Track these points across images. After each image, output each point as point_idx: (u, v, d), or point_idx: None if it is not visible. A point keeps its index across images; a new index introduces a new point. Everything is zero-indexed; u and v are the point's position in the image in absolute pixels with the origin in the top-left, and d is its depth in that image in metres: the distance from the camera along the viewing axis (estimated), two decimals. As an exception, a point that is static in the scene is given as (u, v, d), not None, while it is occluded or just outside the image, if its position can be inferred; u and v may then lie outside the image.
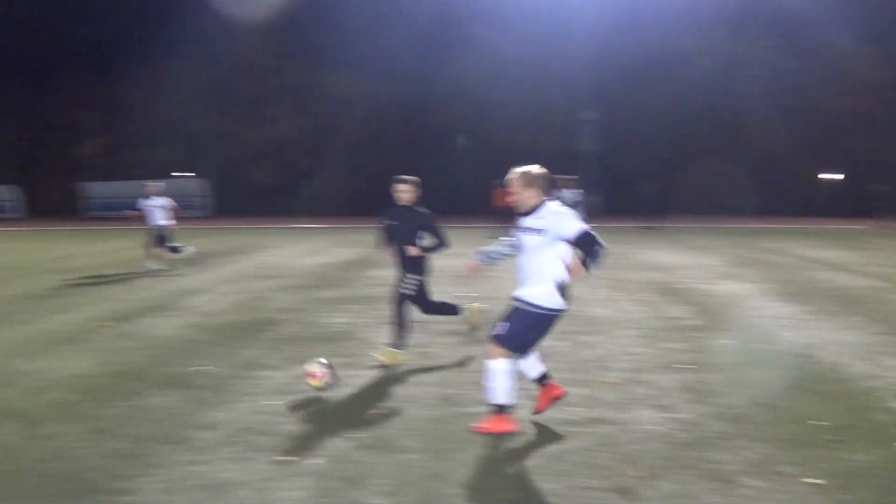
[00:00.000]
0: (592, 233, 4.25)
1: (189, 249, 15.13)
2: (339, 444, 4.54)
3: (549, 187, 4.61)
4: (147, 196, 14.63)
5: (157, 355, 7.00)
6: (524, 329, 4.41)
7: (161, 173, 36.38)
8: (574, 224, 4.30)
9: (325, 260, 16.02)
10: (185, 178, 41.55)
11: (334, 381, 5.49)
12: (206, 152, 42.66)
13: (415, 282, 6.50)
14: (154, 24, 40.31)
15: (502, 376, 4.45)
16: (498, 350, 4.45)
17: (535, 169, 4.54)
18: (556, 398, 4.84)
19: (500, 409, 4.51)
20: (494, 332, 4.52)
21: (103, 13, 40.10)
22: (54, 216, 40.31)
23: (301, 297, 10.49)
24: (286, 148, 42.54)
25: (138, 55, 40.83)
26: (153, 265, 14.18)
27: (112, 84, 42.17)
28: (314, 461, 4.30)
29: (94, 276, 13.27)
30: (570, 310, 4.70)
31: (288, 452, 4.42)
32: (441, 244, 6.54)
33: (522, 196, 4.47)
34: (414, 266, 6.48)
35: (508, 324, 4.45)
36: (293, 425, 4.88)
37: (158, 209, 14.59)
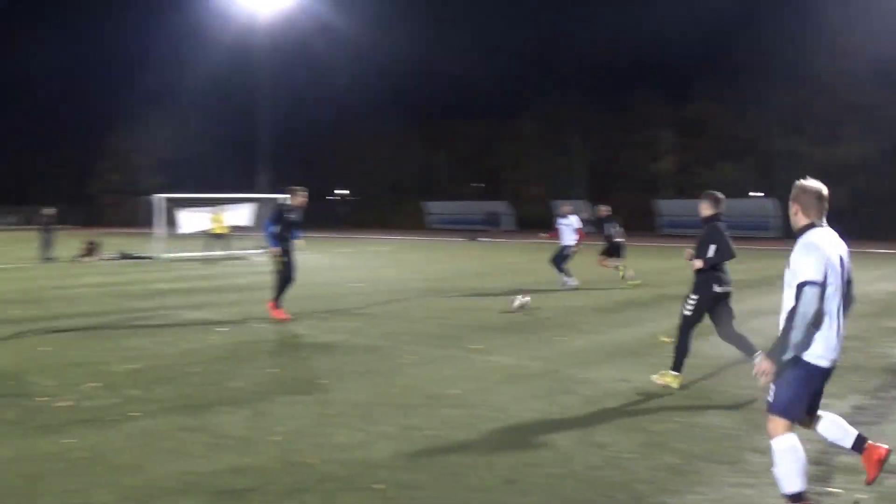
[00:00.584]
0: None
1: (571, 282, 20.62)
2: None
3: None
4: (563, 215, 21.47)
5: (720, 375, 9.86)
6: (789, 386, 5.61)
7: (729, 191, 48.51)
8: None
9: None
10: (758, 198, 64.08)
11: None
12: (777, 172, 63.09)
13: (694, 301, 9.38)
14: (728, 42, 66.42)
15: (788, 455, 5.54)
16: (775, 422, 5.61)
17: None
18: (882, 460, 5.78)
19: (797, 498, 5.48)
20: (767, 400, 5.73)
21: (678, 33, 67.81)
22: (629, 231, 54.88)
23: (865, 325, 12.62)
24: (853, 169, 59.82)
25: (712, 74, 66.68)
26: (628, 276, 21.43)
27: (686, 102, 69.34)
28: (861, 496, 5.81)
29: (661, 292, 19.09)
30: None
31: (836, 484, 6.01)
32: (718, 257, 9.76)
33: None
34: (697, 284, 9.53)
35: (774, 386, 5.61)
36: (845, 456, 6.36)
37: (567, 228, 21.19)
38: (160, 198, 35.04)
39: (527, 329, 12.82)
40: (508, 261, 29.32)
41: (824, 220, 5.77)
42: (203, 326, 13.32)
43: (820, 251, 5.46)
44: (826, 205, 5.81)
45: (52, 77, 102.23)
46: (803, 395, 5.56)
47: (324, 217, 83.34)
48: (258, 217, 35.21)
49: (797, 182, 5.83)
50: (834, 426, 5.86)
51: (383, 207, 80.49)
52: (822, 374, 5.59)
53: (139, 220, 46.24)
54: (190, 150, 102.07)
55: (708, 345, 11.48)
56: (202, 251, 32.00)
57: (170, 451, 6.46)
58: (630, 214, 63.37)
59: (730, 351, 10.86)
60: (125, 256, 32.12)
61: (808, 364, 5.49)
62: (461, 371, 9.61)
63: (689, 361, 9.90)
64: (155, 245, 33.65)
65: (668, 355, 10.22)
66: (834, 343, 5.50)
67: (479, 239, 36.89)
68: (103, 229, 66.27)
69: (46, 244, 29.98)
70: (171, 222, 35.25)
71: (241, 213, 36.16)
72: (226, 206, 36.92)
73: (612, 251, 21.93)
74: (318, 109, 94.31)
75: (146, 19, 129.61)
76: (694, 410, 8.12)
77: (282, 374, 9.41)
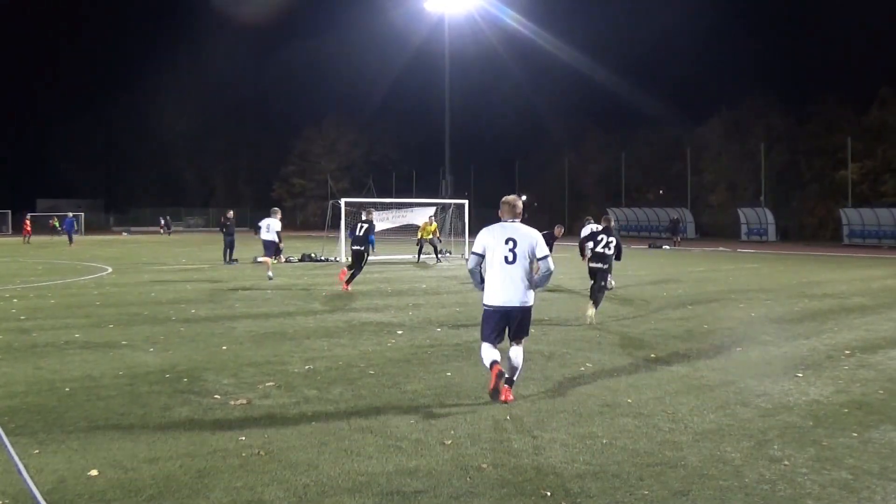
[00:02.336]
0: None
1: None
2: None
3: None
4: None
5: None
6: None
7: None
8: None
9: None
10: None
11: None
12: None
13: None
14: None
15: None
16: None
17: None
18: (495, 389, 8.65)
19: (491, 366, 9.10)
20: None
21: (864, 39, 75.72)
22: (811, 240, 54.44)
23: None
24: None
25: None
26: None
27: (870, 108, 69.99)
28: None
29: (842, 303, 19.05)
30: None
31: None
32: None
33: None
34: None
35: None
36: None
37: None
38: (343, 201, 35.90)
39: (705, 339, 12.74)
40: (689, 269, 29.07)
41: (509, 218, 9.13)
42: (382, 329, 13.62)
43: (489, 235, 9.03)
44: (508, 209, 9.20)
45: (237, 83, 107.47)
46: (490, 325, 8.91)
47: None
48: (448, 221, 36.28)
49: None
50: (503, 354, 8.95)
51: (565, 214, 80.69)
52: (495, 312, 8.89)
53: (322, 223, 47.85)
54: (374, 154, 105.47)
55: (886, 357, 11.85)
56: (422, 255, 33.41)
57: (343, 450, 6.59)
58: (816, 223, 67.39)
59: None
60: (307, 259, 33.28)
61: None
62: (638, 380, 9.56)
63: (865, 375, 10.43)
64: (337, 248, 34.62)
65: (848, 368, 10.15)
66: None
67: (665, 247, 36.56)
68: (287, 232, 69.18)
69: (229, 246, 31.18)
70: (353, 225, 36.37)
71: (423, 216, 36.99)
72: (410, 210, 37.91)
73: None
74: (502, 115, 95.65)
75: (330, 26, 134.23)
76: (870, 425, 7.99)
77: (457, 379, 9.48)
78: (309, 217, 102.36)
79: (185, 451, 6.52)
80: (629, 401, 8.41)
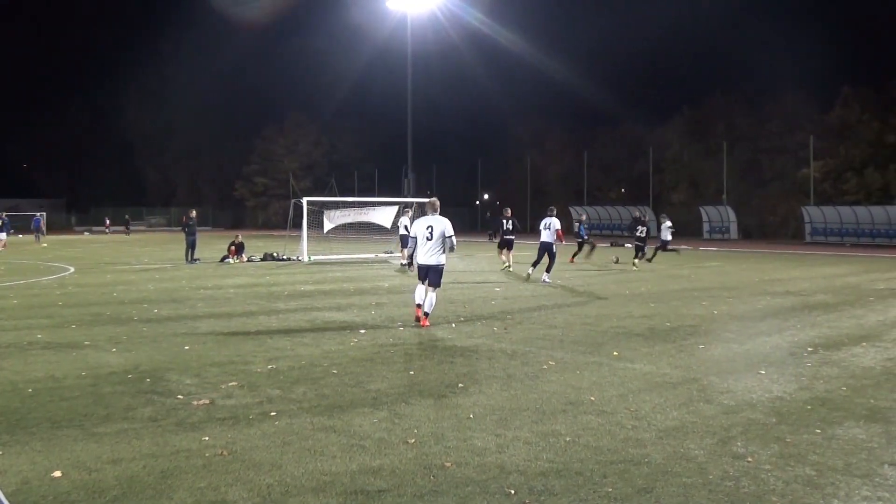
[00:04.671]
0: None
1: None
2: None
3: None
4: None
5: (859, 386, 9.84)
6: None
7: (875, 200, 65.33)
8: None
9: None
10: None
11: None
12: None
13: None
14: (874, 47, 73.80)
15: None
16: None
17: None
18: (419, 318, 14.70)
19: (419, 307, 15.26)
20: None
21: (824, 39, 77.15)
22: (773, 238, 61.11)
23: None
24: None
25: (859, 79, 72.67)
26: None
27: (833, 107, 72.07)
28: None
29: (805, 301, 19.32)
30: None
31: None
32: None
33: None
34: None
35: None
36: None
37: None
38: (305, 200, 35.84)
39: (668, 337, 12.85)
40: (651, 267, 29.27)
41: (431, 211, 14.80)
42: (345, 328, 13.66)
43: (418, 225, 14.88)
44: (430, 207, 14.99)
45: (199, 83, 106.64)
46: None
47: (469, 222, 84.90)
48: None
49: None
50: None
51: (527, 212, 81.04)
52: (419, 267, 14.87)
53: (284, 222, 47.85)
54: (336, 153, 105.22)
55: (849, 354, 12.06)
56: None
57: (306, 450, 6.59)
58: (779, 221, 68.52)
59: (873, 361, 11.50)
60: (269, 258, 33.16)
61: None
62: (601, 378, 9.60)
63: (828, 371, 10.60)
64: (299, 247, 34.54)
65: (811, 365, 10.45)
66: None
67: (626, 246, 36.95)
68: (249, 231, 69.15)
69: (191, 246, 31.06)
70: (316, 225, 36.52)
71: (385, 217, 36.99)
72: (372, 209, 37.91)
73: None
74: (465, 114, 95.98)
75: (292, 26, 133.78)
76: (833, 422, 8.10)
77: (420, 378, 9.47)
78: (271, 216, 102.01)
79: (148, 452, 6.49)
80: (592, 399, 8.44)
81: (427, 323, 14.33)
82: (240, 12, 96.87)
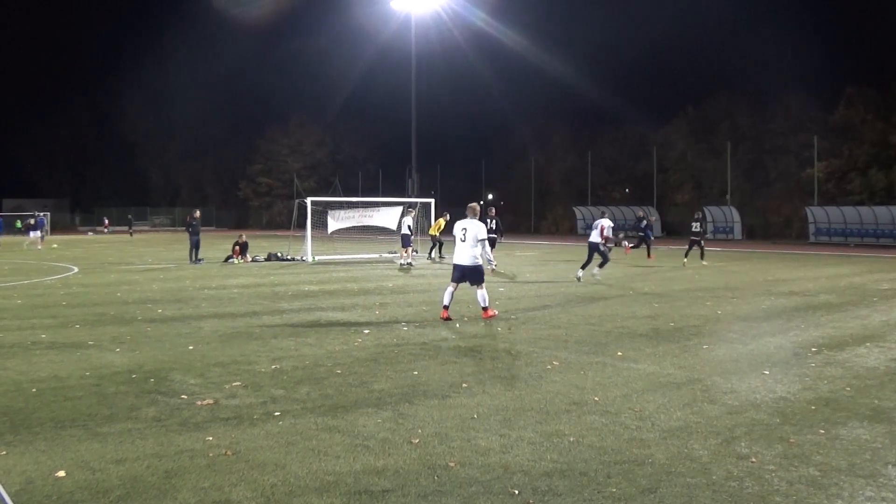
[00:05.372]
0: None
1: None
2: None
3: None
4: None
5: (863, 387, 9.88)
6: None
7: (879, 200, 65.25)
8: None
9: None
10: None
11: None
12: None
13: None
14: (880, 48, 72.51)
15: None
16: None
17: None
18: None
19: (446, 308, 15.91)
20: None
21: (829, 40, 77.87)
22: (777, 239, 63.83)
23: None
24: None
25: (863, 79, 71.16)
26: None
27: (838, 107, 70.81)
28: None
29: (809, 301, 19.33)
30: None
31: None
32: None
33: None
34: None
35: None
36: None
37: None
38: (309, 200, 35.82)
39: (672, 337, 12.85)
40: (655, 266, 29.32)
41: (470, 215, 15.44)
42: (348, 328, 13.65)
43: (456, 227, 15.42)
44: (470, 211, 15.60)
45: (202, 83, 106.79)
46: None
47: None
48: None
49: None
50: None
51: (531, 213, 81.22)
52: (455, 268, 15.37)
53: (288, 222, 47.97)
54: (340, 153, 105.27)
55: (853, 354, 12.05)
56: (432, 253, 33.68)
57: (310, 450, 6.60)
58: (783, 222, 68.53)
59: (877, 362, 11.52)
60: (273, 258, 33.20)
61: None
62: (605, 378, 9.62)
63: (832, 372, 10.60)
64: (303, 247, 34.52)
65: (815, 365, 10.48)
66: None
67: (627, 244, 37.03)
68: (253, 231, 69.15)
69: (195, 246, 31.05)
70: (320, 225, 36.54)
71: (389, 218, 36.97)
72: (376, 211, 37.92)
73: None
74: (468, 114, 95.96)
75: (296, 26, 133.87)
76: (837, 422, 8.11)
77: (424, 378, 9.47)
78: (275, 216, 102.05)
79: (152, 452, 6.50)
80: (596, 399, 8.44)
81: (493, 313, 15.37)
82: (243, 12, 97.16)
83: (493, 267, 25.46)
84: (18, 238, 56.53)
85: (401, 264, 30.51)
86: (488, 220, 30.14)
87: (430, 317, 15.04)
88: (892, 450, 7.23)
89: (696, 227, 32.34)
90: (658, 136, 77.75)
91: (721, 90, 75.91)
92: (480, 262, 15.68)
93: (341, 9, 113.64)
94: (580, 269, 24.26)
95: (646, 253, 34.04)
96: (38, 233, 48.44)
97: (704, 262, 30.24)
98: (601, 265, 24.32)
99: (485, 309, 15.47)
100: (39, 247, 45.59)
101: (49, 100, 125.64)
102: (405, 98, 65.41)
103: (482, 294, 15.51)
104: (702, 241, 32.22)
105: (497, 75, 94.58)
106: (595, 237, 24.29)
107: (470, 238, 15.50)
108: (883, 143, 62.18)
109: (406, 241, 30.92)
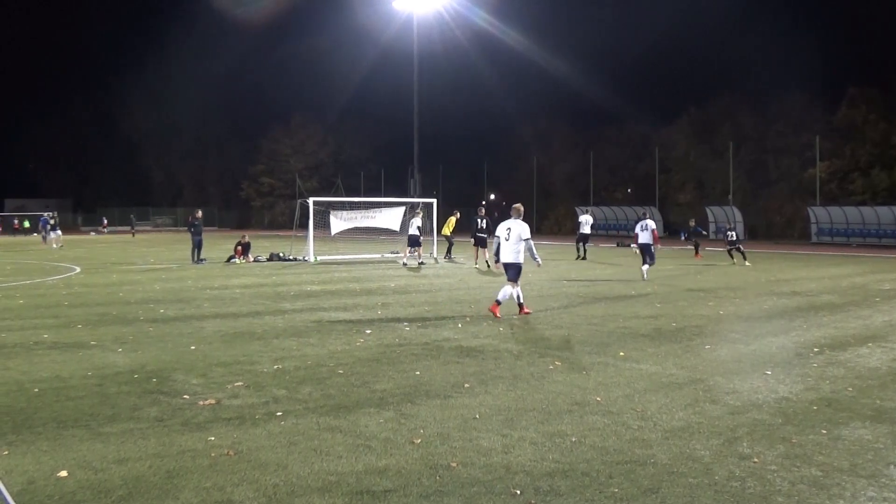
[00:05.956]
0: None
1: None
2: None
3: None
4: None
5: (865, 387, 9.93)
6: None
7: (882, 200, 66.72)
8: None
9: None
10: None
11: None
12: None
13: None
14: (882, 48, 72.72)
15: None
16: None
17: None
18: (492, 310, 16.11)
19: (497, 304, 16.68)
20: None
21: (831, 39, 78.80)
22: (779, 239, 64.31)
23: None
24: None
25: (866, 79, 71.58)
26: None
27: (840, 107, 71.42)
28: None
29: (811, 301, 19.43)
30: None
31: None
32: None
33: None
34: None
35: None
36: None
37: None
38: (311, 201, 35.84)
39: (674, 337, 12.87)
40: (657, 267, 28.88)
41: (515, 216, 16.09)
42: (350, 328, 13.67)
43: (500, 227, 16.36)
44: (514, 212, 16.25)
45: (204, 83, 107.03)
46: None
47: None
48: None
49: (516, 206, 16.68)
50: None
51: (533, 213, 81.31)
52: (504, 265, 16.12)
53: (290, 222, 48.06)
54: (343, 154, 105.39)
55: (855, 354, 12.12)
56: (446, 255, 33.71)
57: (312, 450, 6.61)
58: (785, 222, 68.98)
59: (879, 362, 11.56)
60: (276, 258, 33.21)
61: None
62: (607, 378, 9.63)
63: (834, 372, 10.65)
64: (305, 247, 34.48)
65: (817, 365, 10.56)
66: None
67: (632, 246, 37.10)
68: (255, 231, 69.25)
69: (197, 246, 31.14)
70: (323, 225, 36.56)
71: (392, 219, 37.00)
72: (378, 212, 37.96)
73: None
74: (471, 114, 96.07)
75: (298, 26, 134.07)
76: (839, 422, 8.16)
77: (426, 378, 9.49)
78: (277, 216, 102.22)
79: (154, 452, 6.51)
80: (598, 399, 8.45)
81: (528, 311, 16.14)
82: (246, 12, 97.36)
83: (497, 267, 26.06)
84: (19, 238, 56.74)
85: (403, 263, 30.53)
86: (478, 220, 31.91)
87: (431, 317, 15.10)
88: (894, 450, 7.27)
89: (731, 235, 33.88)
90: (660, 136, 77.91)
91: (723, 90, 76.31)
92: (522, 260, 16.36)
93: (343, 9, 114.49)
94: (644, 268, 25.60)
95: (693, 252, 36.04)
96: (59, 232, 48.67)
97: (748, 264, 30.67)
98: (649, 264, 25.19)
99: (498, 303, 16.00)
100: (56, 245, 45.98)
101: (51, 100, 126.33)
102: (407, 98, 65.59)
103: (514, 291, 16.15)
104: (740, 247, 33.60)
105: (499, 75, 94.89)
106: (647, 238, 25.49)
107: (514, 237, 16.31)
108: (885, 143, 62.40)
109: (414, 242, 30.85)
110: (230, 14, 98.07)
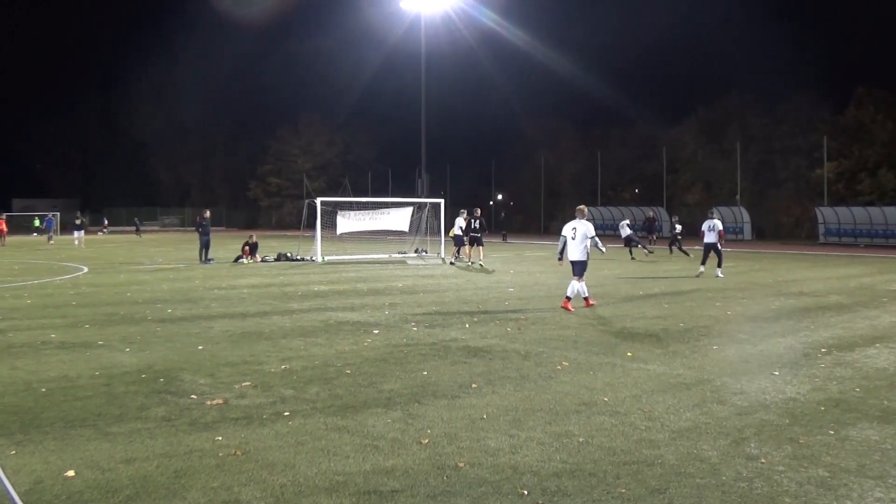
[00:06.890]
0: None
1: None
2: None
3: None
4: None
5: (872, 388, 9.93)
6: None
7: (889, 200, 66.60)
8: None
9: None
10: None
11: None
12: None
13: None
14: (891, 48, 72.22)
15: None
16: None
17: None
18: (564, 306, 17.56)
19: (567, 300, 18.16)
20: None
21: (839, 39, 78.82)
22: (787, 239, 64.93)
23: None
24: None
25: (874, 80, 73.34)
26: None
27: (848, 108, 71.88)
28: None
29: (819, 301, 19.45)
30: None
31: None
32: None
33: None
34: None
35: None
36: None
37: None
38: (319, 201, 35.87)
39: (681, 338, 12.87)
40: (664, 268, 29.29)
41: (579, 217, 17.51)
42: (358, 328, 13.67)
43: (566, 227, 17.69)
44: (579, 213, 17.70)
45: (212, 83, 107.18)
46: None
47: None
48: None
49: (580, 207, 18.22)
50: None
51: (541, 213, 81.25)
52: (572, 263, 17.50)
53: (298, 222, 48.14)
54: (350, 154, 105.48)
55: (863, 355, 12.13)
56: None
57: (319, 450, 6.61)
58: (792, 222, 69.18)
59: (886, 363, 11.56)
60: (283, 258, 33.27)
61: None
62: (615, 378, 9.63)
63: (841, 373, 10.69)
64: (313, 247, 34.58)
65: (824, 366, 10.54)
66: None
67: (640, 246, 37.06)
68: (263, 231, 69.31)
69: (205, 246, 31.22)
70: (330, 225, 36.61)
71: (400, 220, 37.04)
72: (386, 213, 38.01)
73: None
74: (478, 114, 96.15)
75: (306, 26, 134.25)
76: (847, 423, 8.18)
77: (434, 378, 9.50)
78: (285, 216, 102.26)
79: (161, 452, 6.52)
80: (606, 399, 8.45)
81: (592, 303, 17.58)
82: (253, 12, 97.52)
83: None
84: (26, 238, 56.94)
85: (450, 262, 31.26)
86: (473, 221, 32.69)
87: (439, 317, 15.05)
88: (899, 450, 7.09)
89: (677, 229, 36.05)
90: (668, 136, 77.78)
91: (731, 91, 76.14)
92: (587, 258, 17.78)
93: (351, 9, 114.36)
94: (701, 266, 26.49)
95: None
96: (82, 233, 48.80)
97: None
98: (718, 264, 26.09)
99: (568, 298, 17.24)
100: (77, 244, 46.37)
101: (58, 100, 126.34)
102: (415, 98, 65.43)
103: (580, 286, 17.51)
104: (679, 241, 35.24)
105: (507, 75, 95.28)
106: (713, 238, 26.46)
107: (580, 236, 17.62)
108: (893, 143, 62.38)
109: (459, 241, 31.78)
110: (237, 14, 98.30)
